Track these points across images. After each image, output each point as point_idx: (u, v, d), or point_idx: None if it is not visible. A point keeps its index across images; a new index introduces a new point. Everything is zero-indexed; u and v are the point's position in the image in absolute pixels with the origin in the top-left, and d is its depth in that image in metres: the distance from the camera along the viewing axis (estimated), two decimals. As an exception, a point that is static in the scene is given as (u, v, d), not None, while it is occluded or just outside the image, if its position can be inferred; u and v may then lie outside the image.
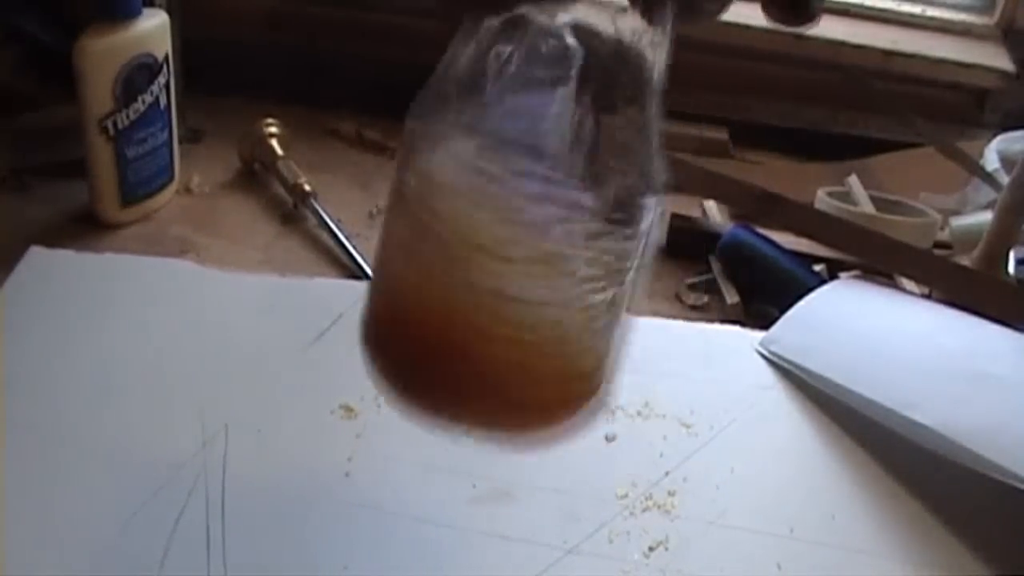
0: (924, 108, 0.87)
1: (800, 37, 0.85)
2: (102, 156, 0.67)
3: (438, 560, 0.48)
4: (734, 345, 0.62)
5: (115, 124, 0.66)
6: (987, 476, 0.50)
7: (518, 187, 0.34)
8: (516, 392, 0.38)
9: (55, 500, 0.49)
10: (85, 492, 0.49)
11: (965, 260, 0.70)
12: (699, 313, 0.68)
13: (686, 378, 0.59)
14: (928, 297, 0.67)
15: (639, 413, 0.57)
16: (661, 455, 0.55)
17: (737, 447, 0.55)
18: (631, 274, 0.37)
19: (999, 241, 0.68)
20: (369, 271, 0.67)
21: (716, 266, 0.71)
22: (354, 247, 0.69)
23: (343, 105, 0.84)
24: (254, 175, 0.77)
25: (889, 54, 0.85)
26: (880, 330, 0.62)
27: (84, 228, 0.69)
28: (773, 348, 0.61)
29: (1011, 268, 0.69)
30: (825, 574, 0.50)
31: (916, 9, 0.90)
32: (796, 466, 0.55)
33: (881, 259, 0.69)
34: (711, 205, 0.78)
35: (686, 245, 0.73)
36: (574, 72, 0.33)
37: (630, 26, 0.34)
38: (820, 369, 0.59)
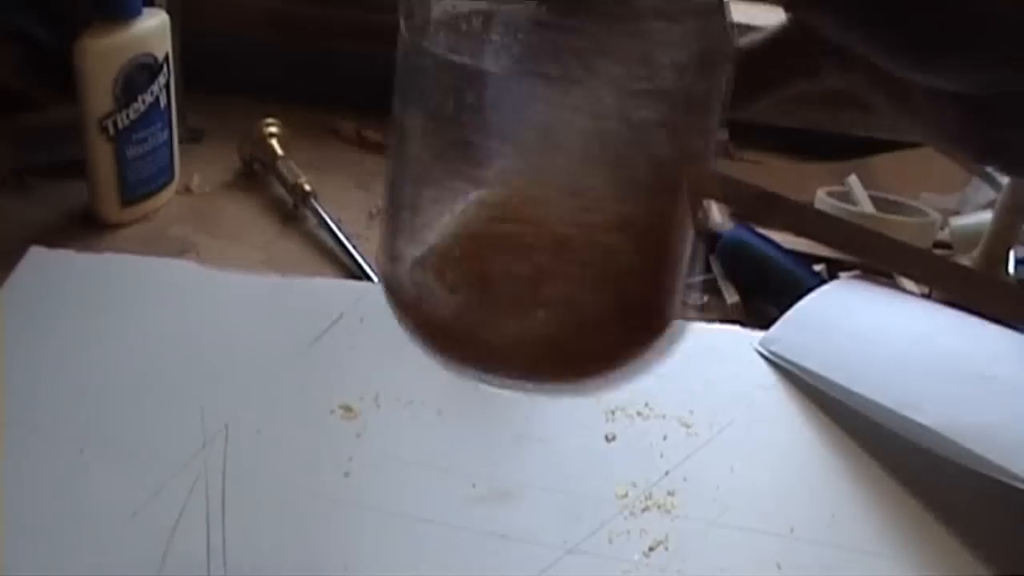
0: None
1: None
2: (102, 156, 0.67)
3: (438, 560, 0.48)
4: (734, 345, 0.62)
5: (115, 124, 0.66)
6: (987, 476, 0.50)
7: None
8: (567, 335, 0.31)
9: (55, 500, 0.49)
10: (85, 492, 0.49)
11: (965, 260, 0.70)
12: (699, 313, 0.68)
13: (686, 378, 0.59)
14: (928, 297, 0.67)
15: (639, 413, 0.57)
16: (661, 455, 0.55)
17: (737, 447, 0.55)
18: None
19: (999, 241, 0.68)
20: (369, 271, 0.67)
21: (716, 266, 0.71)
22: (354, 247, 0.69)
23: (343, 105, 0.84)
24: (254, 175, 0.77)
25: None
26: (880, 330, 0.62)
27: (84, 228, 0.69)
28: (773, 348, 0.61)
29: (1011, 268, 0.69)
30: (825, 574, 0.50)
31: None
32: (796, 466, 0.55)
33: (881, 259, 0.69)
34: (711, 205, 0.77)
35: (686, 245, 0.72)
36: None
37: None
38: (820, 369, 0.59)
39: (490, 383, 0.32)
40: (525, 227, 0.29)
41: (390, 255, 0.33)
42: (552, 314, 0.31)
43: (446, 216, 0.31)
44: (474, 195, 0.30)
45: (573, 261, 0.30)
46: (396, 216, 0.33)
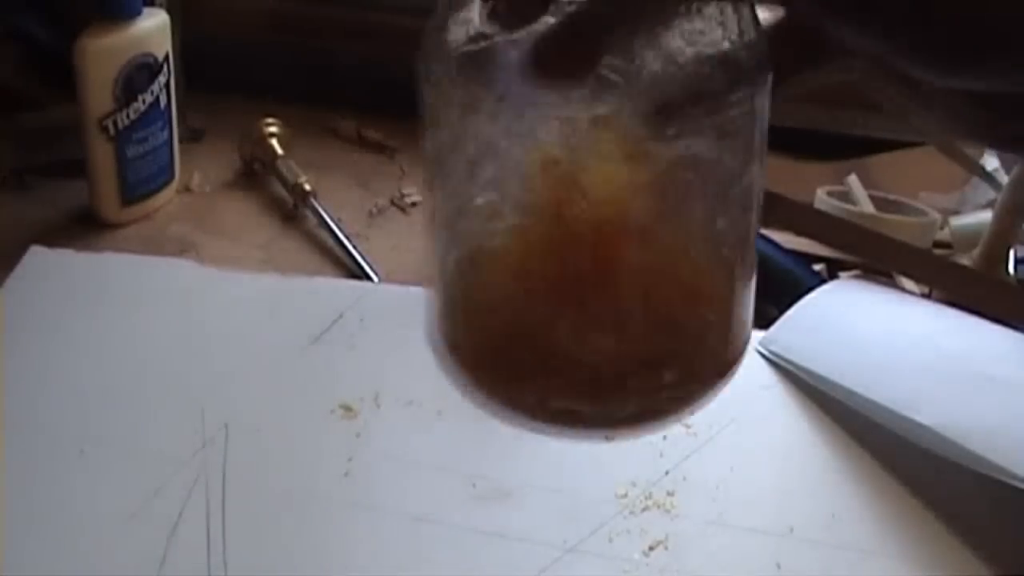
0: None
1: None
2: (102, 156, 0.67)
3: (438, 560, 0.48)
4: (734, 345, 0.62)
5: (115, 124, 0.66)
6: (987, 476, 0.50)
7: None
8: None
9: (55, 500, 0.49)
10: (85, 492, 0.49)
11: (965, 260, 0.70)
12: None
13: (686, 378, 0.59)
14: (928, 297, 0.67)
15: (639, 413, 0.57)
16: (661, 455, 0.55)
17: (737, 447, 0.55)
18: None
19: (999, 241, 0.68)
20: (369, 271, 0.67)
21: (716, 266, 0.71)
22: (354, 247, 0.69)
23: (343, 105, 0.84)
24: (254, 175, 0.77)
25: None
26: (880, 330, 0.62)
27: (84, 228, 0.69)
28: (773, 348, 0.61)
29: (1011, 268, 0.69)
30: (825, 574, 0.50)
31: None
32: (796, 466, 0.55)
33: (881, 259, 0.69)
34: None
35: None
36: None
37: None
38: (820, 369, 0.59)
39: (559, 438, 0.31)
40: (584, 270, 0.28)
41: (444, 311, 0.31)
42: (624, 366, 0.29)
43: (493, 255, 0.29)
44: (520, 236, 0.29)
45: (644, 309, 0.29)
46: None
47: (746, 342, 0.31)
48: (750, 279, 0.31)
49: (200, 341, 0.59)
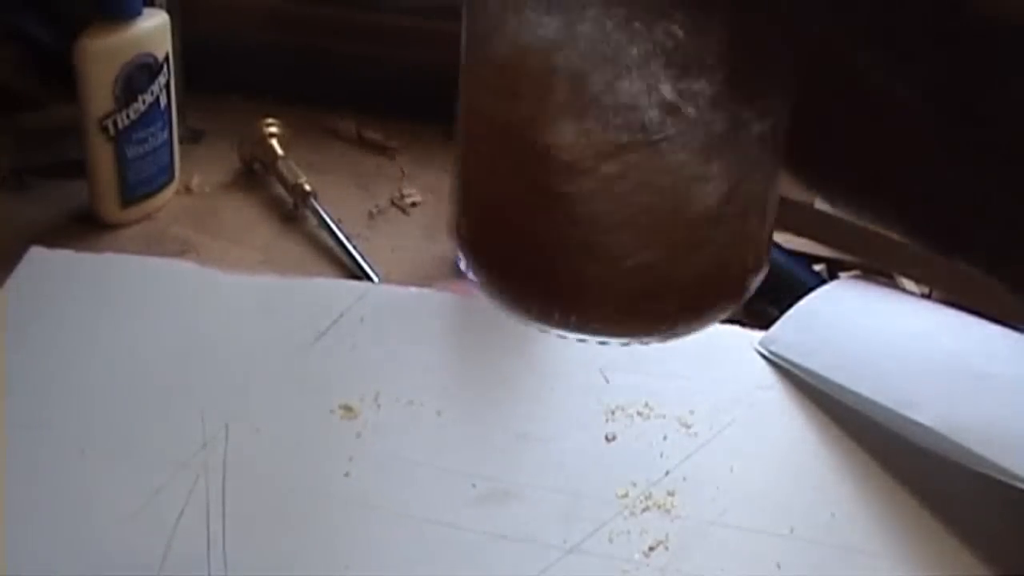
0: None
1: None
2: (102, 156, 0.67)
3: (438, 560, 0.49)
4: (734, 345, 0.62)
5: (115, 124, 0.66)
6: (987, 476, 0.50)
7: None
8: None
9: (56, 500, 0.49)
10: (85, 492, 0.49)
11: (965, 260, 0.70)
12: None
13: (686, 378, 0.59)
14: (928, 297, 0.67)
15: (639, 413, 0.57)
16: (661, 455, 0.55)
17: (737, 447, 0.55)
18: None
19: (999, 241, 0.68)
20: (369, 271, 0.67)
21: (716, 266, 0.71)
22: (354, 247, 0.69)
23: (343, 105, 0.84)
24: (254, 175, 0.77)
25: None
26: (880, 330, 0.62)
27: (84, 228, 0.69)
28: (773, 348, 0.61)
29: (1011, 268, 0.68)
30: (825, 574, 0.50)
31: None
32: (796, 466, 0.55)
33: (881, 259, 0.69)
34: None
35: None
36: None
37: None
38: (820, 369, 0.59)
39: (583, 335, 0.32)
40: (606, 176, 0.29)
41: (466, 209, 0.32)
42: (644, 269, 0.31)
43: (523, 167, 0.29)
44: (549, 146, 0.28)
45: (668, 215, 0.30)
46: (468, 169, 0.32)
47: (761, 264, 0.32)
48: (766, 198, 0.32)
49: (200, 341, 0.59)
